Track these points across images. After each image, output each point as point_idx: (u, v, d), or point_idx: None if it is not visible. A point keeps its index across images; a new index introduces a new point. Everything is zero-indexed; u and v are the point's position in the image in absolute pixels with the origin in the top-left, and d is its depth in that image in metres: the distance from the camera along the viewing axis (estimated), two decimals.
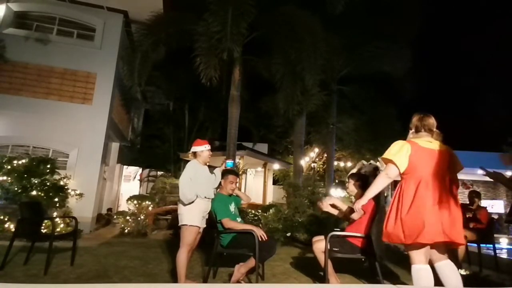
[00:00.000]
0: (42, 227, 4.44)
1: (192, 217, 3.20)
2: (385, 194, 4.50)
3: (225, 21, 7.10)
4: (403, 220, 2.28)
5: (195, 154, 3.41)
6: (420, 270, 2.28)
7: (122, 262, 4.35)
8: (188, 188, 3.16)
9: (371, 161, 4.53)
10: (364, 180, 3.67)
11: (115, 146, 10.69)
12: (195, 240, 3.28)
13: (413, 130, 2.54)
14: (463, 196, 11.54)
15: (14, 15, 8.14)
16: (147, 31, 8.13)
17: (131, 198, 7.65)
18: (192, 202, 3.19)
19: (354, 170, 4.69)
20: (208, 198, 3.37)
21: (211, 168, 3.63)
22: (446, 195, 2.31)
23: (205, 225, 3.41)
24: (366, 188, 3.68)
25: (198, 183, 3.23)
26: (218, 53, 7.30)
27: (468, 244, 4.41)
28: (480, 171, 2.78)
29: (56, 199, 6.51)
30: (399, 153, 2.39)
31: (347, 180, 3.82)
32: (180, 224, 3.24)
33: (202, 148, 3.41)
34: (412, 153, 2.36)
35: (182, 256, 3.15)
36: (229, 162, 3.70)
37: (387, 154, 2.45)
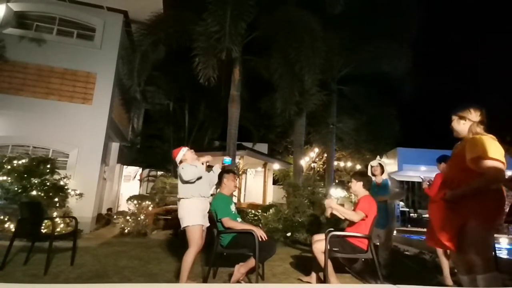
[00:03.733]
0: (42, 227, 4.44)
1: (192, 217, 3.22)
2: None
3: (224, 21, 7.11)
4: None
5: (181, 161, 3.40)
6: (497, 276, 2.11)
7: (122, 262, 4.35)
8: (191, 170, 3.18)
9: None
10: (367, 180, 3.66)
11: (115, 146, 10.69)
12: (201, 239, 3.27)
13: (479, 124, 2.28)
14: None
15: (14, 15, 8.13)
16: (147, 31, 8.13)
17: (131, 198, 7.65)
18: (191, 197, 3.23)
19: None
20: (205, 197, 3.37)
21: (210, 167, 3.64)
22: None
23: (208, 224, 3.41)
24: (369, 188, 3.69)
25: (194, 183, 3.24)
26: (216, 53, 7.28)
27: None
28: None
29: (56, 199, 6.51)
30: (501, 151, 2.12)
31: (350, 180, 3.80)
32: (182, 227, 3.25)
33: (182, 153, 3.41)
34: None
35: (190, 257, 3.16)
36: (227, 159, 3.69)
37: (495, 154, 2.09)
